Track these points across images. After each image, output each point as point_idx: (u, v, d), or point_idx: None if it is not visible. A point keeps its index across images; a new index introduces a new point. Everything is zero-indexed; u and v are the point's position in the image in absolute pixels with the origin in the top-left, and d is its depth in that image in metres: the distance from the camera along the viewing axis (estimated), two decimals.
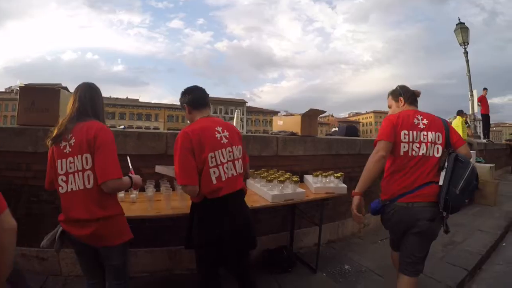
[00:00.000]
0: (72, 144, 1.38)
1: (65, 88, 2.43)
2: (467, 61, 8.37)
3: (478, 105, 8.34)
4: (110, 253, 1.45)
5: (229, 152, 1.60)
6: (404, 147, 1.72)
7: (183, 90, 1.70)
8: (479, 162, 5.75)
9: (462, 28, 8.29)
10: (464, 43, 8.26)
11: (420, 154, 1.71)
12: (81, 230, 1.38)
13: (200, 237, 1.56)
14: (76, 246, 1.50)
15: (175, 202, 1.99)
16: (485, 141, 7.81)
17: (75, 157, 1.37)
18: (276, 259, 2.64)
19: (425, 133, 1.73)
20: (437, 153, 1.71)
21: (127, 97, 55.16)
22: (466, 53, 8.34)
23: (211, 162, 1.52)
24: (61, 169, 1.38)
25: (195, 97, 1.67)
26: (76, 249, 1.53)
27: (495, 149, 8.04)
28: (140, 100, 55.80)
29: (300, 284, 2.44)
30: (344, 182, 2.68)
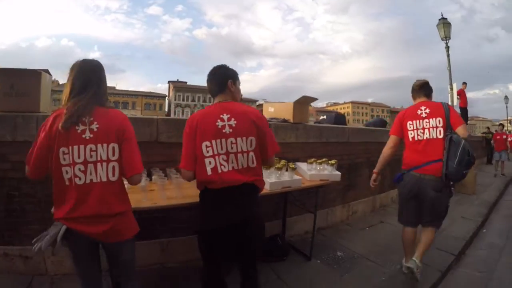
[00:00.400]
0: (95, 130, 1.21)
1: (47, 71, 2.26)
2: (448, 55, 8.60)
3: (457, 98, 8.71)
4: (122, 248, 1.34)
5: (232, 143, 1.45)
6: (411, 134, 2.18)
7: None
8: None
9: (444, 23, 8.52)
10: (446, 37, 8.49)
11: (425, 138, 2.12)
12: (96, 226, 1.22)
13: (198, 225, 1.54)
14: (79, 245, 1.30)
15: (170, 192, 1.91)
16: None
17: (99, 145, 1.21)
18: (271, 248, 2.64)
19: (427, 120, 2.13)
20: (440, 134, 2.08)
21: None
22: (447, 47, 8.59)
23: (207, 151, 1.44)
24: (78, 157, 1.19)
25: (209, 87, 1.61)
26: (77, 248, 1.31)
27: (472, 141, 8.36)
28: (117, 88, 53.47)
29: (296, 272, 2.45)
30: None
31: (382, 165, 2.43)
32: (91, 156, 1.20)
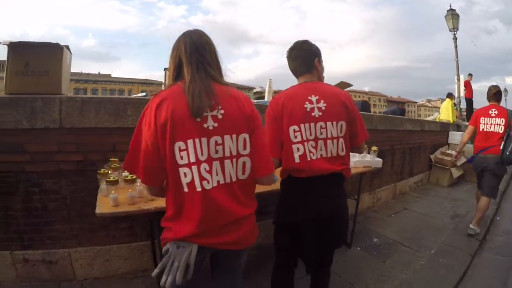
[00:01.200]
0: (220, 117, 0.89)
1: (67, 48, 1.84)
2: (456, 46, 8.29)
3: (463, 89, 8.42)
4: (243, 252, 1.06)
5: (321, 128, 1.23)
6: (482, 126, 2.90)
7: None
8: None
9: (453, 15, 8.17)
10: (454, 29, 8.16)
11: (490, 130, 2.84)
12: (229, 235, 0.94)
13: (277, 218, 1.35)
14: (199, 260, 0.94)
15: None
16: (466, 123, 7.90)
17: (227, 137, 0.90)
18: None
19: (494, 119, 2.84)
20: (500, 130, 2.77)
21: (99, 73, 50.22)
22: (455, 39, 8.26)
23: (295, 136, 1.22)
24: (201, 154, 0.86)
25: (293, 66, 1.35)
26: (195, 264, 0.91)
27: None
28: (113, 75, 51.35)
29: (341, 259, 2.30)
30: None
31: (463, 147, 3.29)
32: (216, 152, 0.89)
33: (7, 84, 1.73)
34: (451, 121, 6.19)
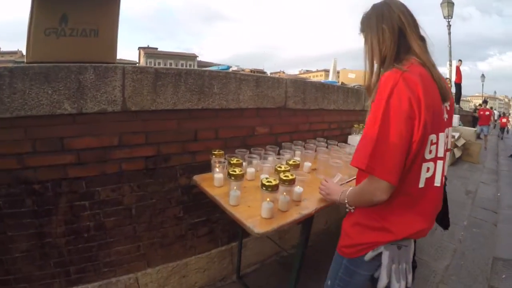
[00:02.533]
0: (448, 108, 0.77)
1: None
2: (449, 33, 8.33)
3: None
4: None
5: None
6: None
7: None
8: (460, 125, 5.88)
9: (448, 2, 8.10)
10: (449, 16, 8.12)
11: None
12: (431, 223, 0.79)
13: None
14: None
15: None
16: (457, 106, 7.69)
17: (449, 129, 0.78)
18: None
19: None
20: None
21: None
22: (449, 26, 8.26)
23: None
24: (441, 147, 0.72)
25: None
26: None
27: (462, 115, 8.00)
28: None
29: None
30: None
31: None
32: (445, 144, 0.76)
33: (31, 48, 1.08)
34: None
